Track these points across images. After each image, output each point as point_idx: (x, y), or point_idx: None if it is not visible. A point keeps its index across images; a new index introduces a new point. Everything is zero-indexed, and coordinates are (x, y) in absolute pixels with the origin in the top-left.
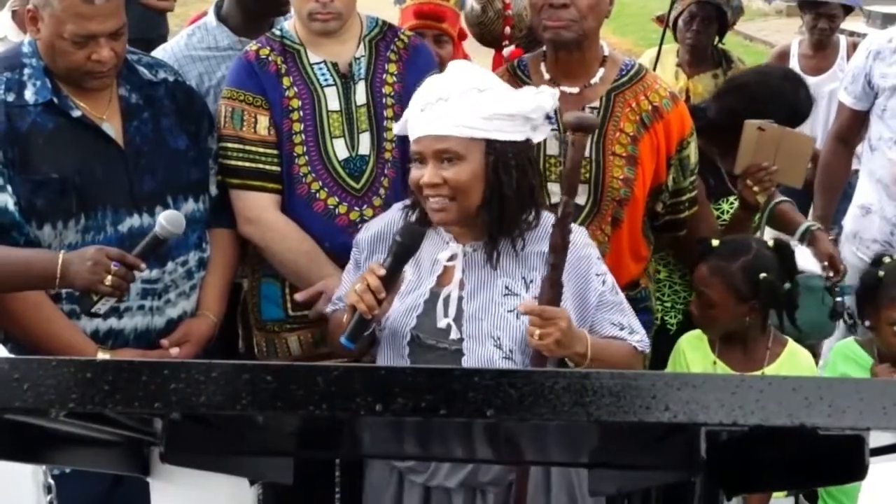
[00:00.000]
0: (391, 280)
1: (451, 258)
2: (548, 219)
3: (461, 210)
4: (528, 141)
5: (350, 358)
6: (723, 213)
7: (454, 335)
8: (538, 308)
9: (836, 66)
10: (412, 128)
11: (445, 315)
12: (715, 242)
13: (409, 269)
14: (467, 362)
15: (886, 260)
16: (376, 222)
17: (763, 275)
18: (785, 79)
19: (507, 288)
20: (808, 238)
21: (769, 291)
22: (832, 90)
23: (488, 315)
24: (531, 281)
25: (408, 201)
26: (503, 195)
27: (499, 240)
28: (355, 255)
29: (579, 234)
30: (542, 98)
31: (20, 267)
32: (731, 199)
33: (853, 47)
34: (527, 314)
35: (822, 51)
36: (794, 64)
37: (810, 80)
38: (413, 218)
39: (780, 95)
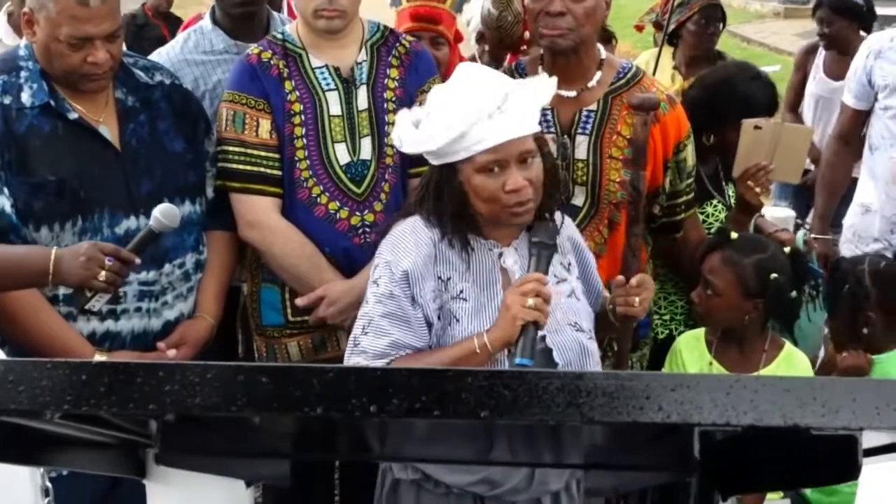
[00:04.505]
0: None
1: (512, 262)
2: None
3: (535, 208)
4: None
5: None
6: (707, 216)
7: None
8: (638, 278)
9: None
10: (479, 138)
11: None
12: (734, 235)
13: (466, 284)
14: (560, 356)
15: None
16: (414, 247)
17: (774, 275)
18: (739, 70)
19: (555, 276)
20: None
21: (776, 293)
22: None
23: (556, 305)
24: (570, 263)
25: (417, 217)
26: (558, 181)
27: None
28: (404, 290)
29: (567, 220)
30: (554, 84)
31: (12, 264)
32: (714, 202)
33: None
34: (635, 285)
35: (851, 55)
36: (818, 63)
37: (832, 85)
38: (448, 229)
39: (731, 84)
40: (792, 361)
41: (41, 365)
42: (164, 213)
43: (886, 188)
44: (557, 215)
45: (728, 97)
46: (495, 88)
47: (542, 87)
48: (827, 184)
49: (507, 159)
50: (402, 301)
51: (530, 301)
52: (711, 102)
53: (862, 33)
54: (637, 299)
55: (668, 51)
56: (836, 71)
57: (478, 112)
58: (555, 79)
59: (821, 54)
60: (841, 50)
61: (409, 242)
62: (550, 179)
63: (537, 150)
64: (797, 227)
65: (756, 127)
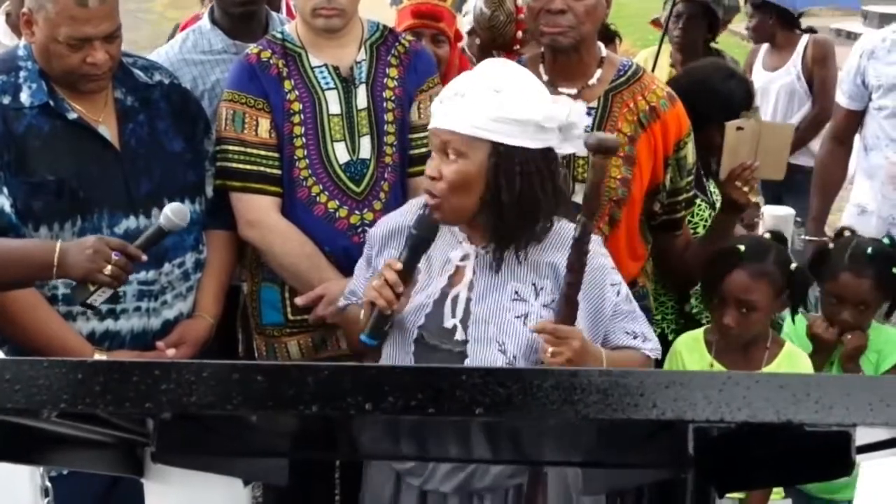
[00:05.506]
0: (408, 274)
1: (464, 258)
2: (565, 227)
3: (452, 208)
4: (547, 150)
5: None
6: (692, 215)
7: (459, 336)
8: (550, 327)
9: (791, 62)
10: (433, 119)
11: (453, 315)
12: (741, 247)
13: (421, 267)
14: (469, 365)
15: (847, 234)
16: (391, 218)
17: (794, 265)
18: (714, 70)
19: (516, 293)
20: None
21: (802, 281)
22: (782, 85)
23: (495, 319)
24: (542, 288)
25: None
26: (500, 201)
27: (503, 245)
28: (367, 250)
29: (594, 244)
30: (556, 109)
31: (17, 256)
32: (697, 201)
33: (814, 45)
34: (540, 333)
35: (778, 49)
36: (760, 58)
37: (770, 76)
38: (426, 212)
39: (710, 86)
40: (793, 360)
41: (38, 364)
42: (175, 212)
43: (883, 189)
44: (544, 243)
45: (708, 99)
46: (468, 81)
47: (530, 106)
48: (821, 185)
49: (434, 145)
50: (363, 259)
51: (375, 282)
52: (690, 105)
53: (797, 31)
54: (550, 349)
55: (667, 48)
56: (770, 63)
57: (441, 94)
58: (581, 110)
59: (763, 49)
60: (771, 43)
61: (396, 213)
62: (492, 196)
63: (466, 155)
64: (797, 225)
65: (738, 128)
